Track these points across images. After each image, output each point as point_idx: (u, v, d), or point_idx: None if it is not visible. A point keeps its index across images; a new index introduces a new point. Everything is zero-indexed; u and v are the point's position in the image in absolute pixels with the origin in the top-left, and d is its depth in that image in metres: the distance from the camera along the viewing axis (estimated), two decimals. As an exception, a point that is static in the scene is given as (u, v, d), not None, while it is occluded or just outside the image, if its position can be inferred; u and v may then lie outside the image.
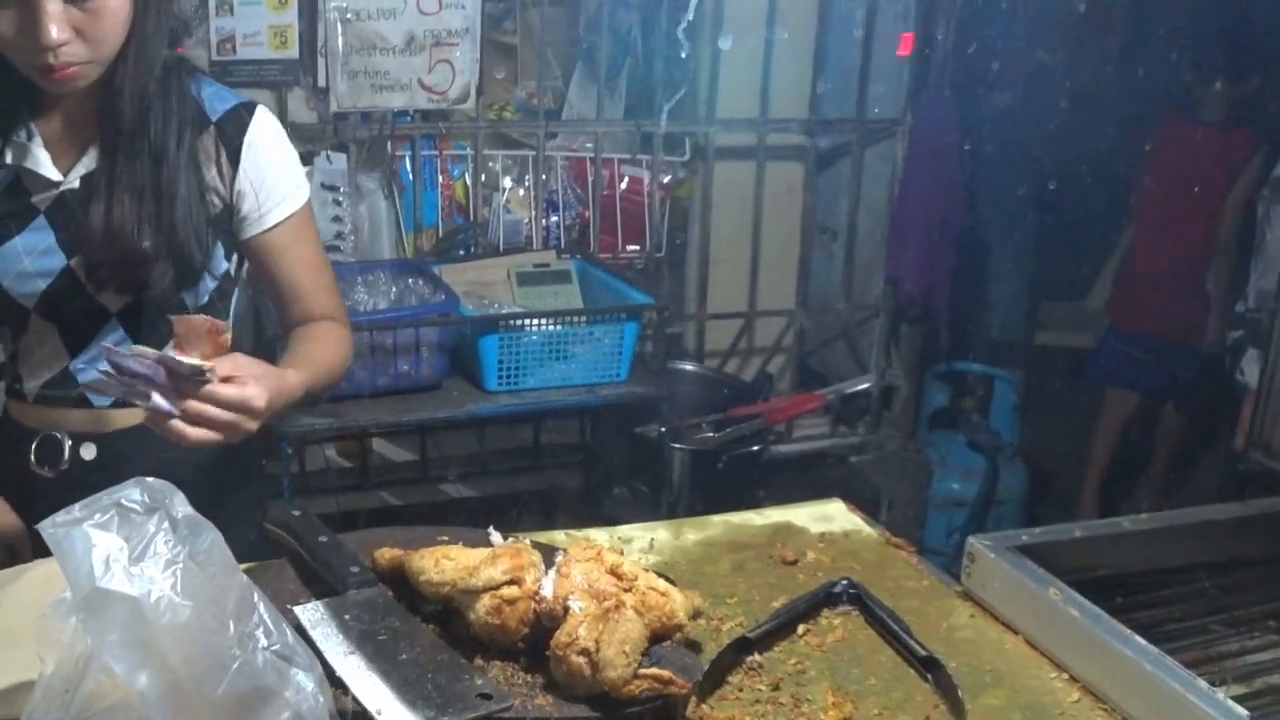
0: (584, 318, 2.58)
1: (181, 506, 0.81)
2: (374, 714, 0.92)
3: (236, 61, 2.55)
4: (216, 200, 1.38)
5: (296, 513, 1.23)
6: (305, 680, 0.82)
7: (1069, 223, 3.46)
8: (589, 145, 3.14)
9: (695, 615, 1.10)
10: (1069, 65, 3.53)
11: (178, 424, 1.17)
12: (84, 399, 1.41)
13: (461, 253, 2.97)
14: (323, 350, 1.43)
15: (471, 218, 3.01)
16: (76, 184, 1.33)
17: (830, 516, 1.49)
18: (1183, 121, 3.22)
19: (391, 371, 2.45)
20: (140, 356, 1.14)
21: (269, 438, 1.60)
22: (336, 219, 2.83)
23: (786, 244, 3.40)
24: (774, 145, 3.30)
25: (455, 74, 2.76)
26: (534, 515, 3.04)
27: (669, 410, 2.76)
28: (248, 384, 1.19)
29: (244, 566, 0.91)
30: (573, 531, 1.43)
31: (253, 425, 1.21)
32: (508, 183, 3.07)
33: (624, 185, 3.21)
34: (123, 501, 0.79)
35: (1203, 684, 1.01)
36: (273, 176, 1.41)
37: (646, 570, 1.09)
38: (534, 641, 1.04)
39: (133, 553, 0.76)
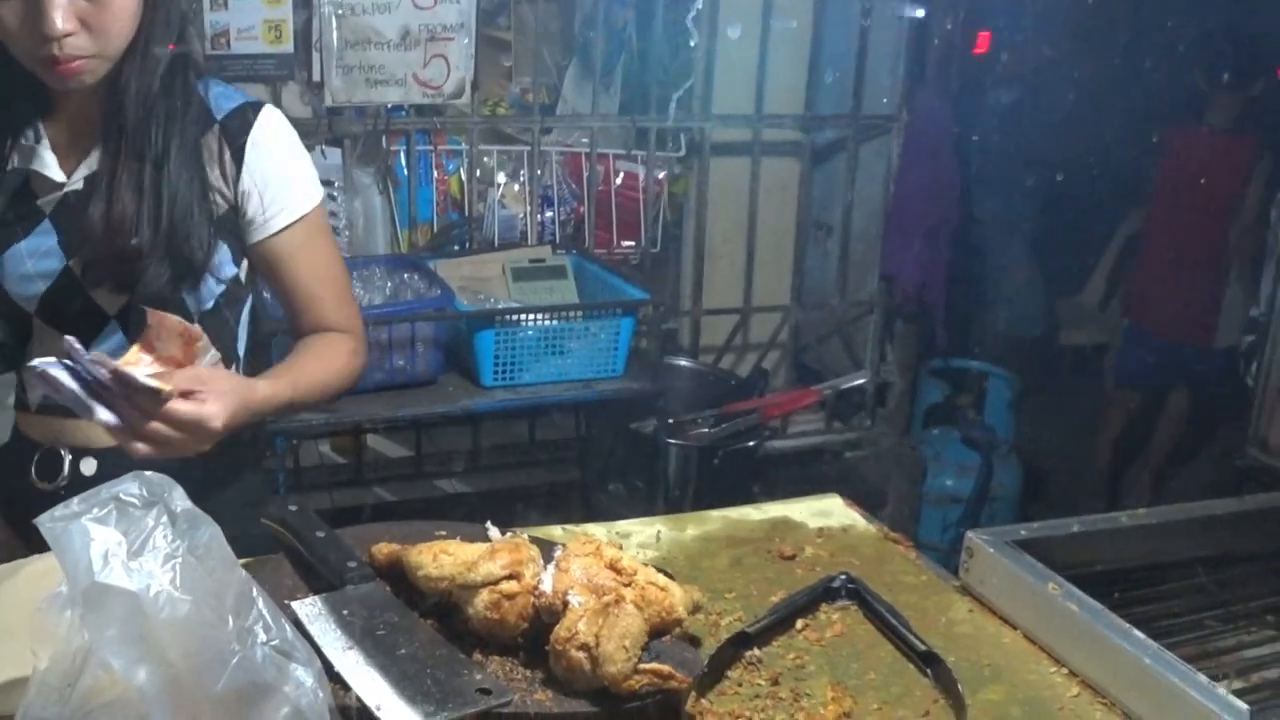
0: (580, 313, 2.58)
1: (180, 501, 0.80)
2: (373, 709, 0.92)
3: (230, 56, 2.54)
4: (221, 201, 1.36)
5: (293, 508, 1.23)
6: (304, 676, 0.82)
7: (1065, 219, 3.47)
8: (584, 140, 3.14)
9: (694, 610, 1.10)
10: (1064, 62, 3.53)
11: (126, 436, 1.15)
12: None
13: (456, 248, 2.96)
14: (316, 363, 1.39)
15: (466, 213, 3.01)
16: (80, 184, 1.32)
17: (828, 512, 1.49)
18: (1188, 126, 3.21)
19: (387, 367, 2.44)
20: (99, 364, 1.11)
21: (264, 434, 1.58)
22: (331, 214, 2.82)
23: (782, 240, 3.39)
24: (769, 141, 3.30)
25: (450, 69, 2.75)
26: (529, 511, 3.03)
27: (665, 406, 2.75)
28: (206, 401, 1.16)
29: (241, 562, 0.90)
30: (570, 526, 1.42)
31: (207, 444, 1.19)
32: (501, 178, 3.06)
33: (619, 181, 3.21)
34: (121, 496, 0.78)
35: (1202, 678, 1.01)
36: (279, 178, 1.37)
37: (645, 565, 1.09)
38: (533, 636, 1.03)
39: (131, 547, 0.75)
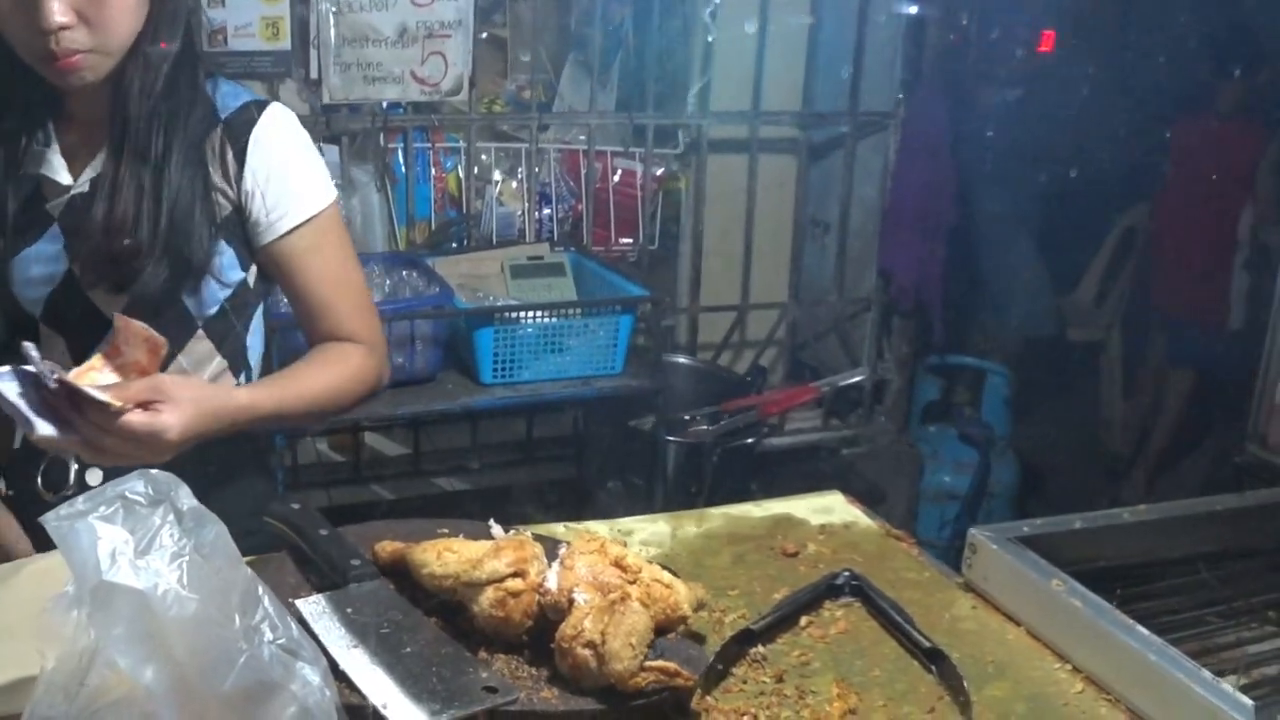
0: (579, 310, 2.57)
1: (186, 499, 0.80)
2: (379, 708, 0.91)
3: (228, 53, 2.53)
4: (224, 202, 1.33)
5: (296, 506, 1.23)
6: (311, 674, 0.82)
7: (1062, 216, 3.47)
8: (582, 138, 3.13)
9: (698, 607, 1.10)
10: (1061, 59, 3.53)
11: (75, 447, 1.14)
12: None
13: (454, 245, 2.96)
14: (313, 373, 1.35)
15: (464, 210, 3.00)
16: (86, 187, 1.31)
17: (830, 508, 1.49)
18: (1197, 116, 3.20)
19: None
20: (48, 372, 1.10)
21: (265, 433, 1.57)
22: (329, 212, 2.80)
23: (779, 237, 3.40)
24: (767, 138, 3.30)
25: (448, 66, 2.74)
26: (528, 508, 3.03)
27: (663, 403, 2.75)
28: (161, 412, 1.14)
29: (244, 560, 0.90)
30: (572, 524, 1.42)
31: (164, 454, 1.16)
32: (497, 175, 3.06)
33: (617, 178, 3.21)
34: (127, 494, 0.78)
35: (1207, 674, 1.01)
36: (284, 178, 1.33)
37: (650, 563, 1.09)
38: (537, 634, 1.03)
39: (138, 545, 0.75)
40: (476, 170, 2.99)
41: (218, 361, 1.40)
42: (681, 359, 3.21)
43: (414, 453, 3.16)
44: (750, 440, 2.93)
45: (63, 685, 0.82)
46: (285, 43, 2.60)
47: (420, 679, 0.95)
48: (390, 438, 3.24)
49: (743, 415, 2.94)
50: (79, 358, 1.31)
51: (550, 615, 1.02)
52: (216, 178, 1.32)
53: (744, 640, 1.13)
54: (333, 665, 0.93)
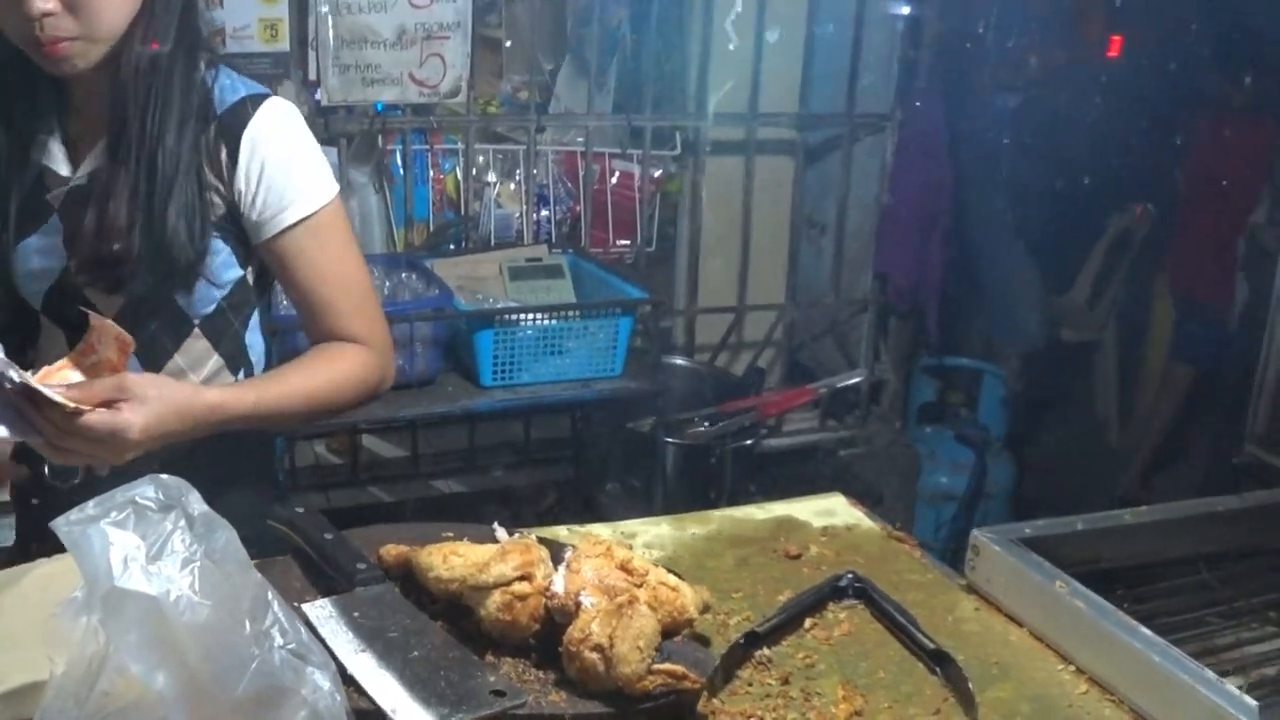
0: (579, 312, 2.58)
1: (197, 504, 0.80)
2: (388, 712, 0.92)
3: (226, 54, 2.51)
4: (218, 200, 1.31)
5: (300, 509, 1.23)
6: (321, 679, 0.82)
7: (1057, 217, 3.48)
8: (579, 140, 3.13)
9: (704, 610, 1.10)
10: (1058, 61, 3.54)
11: (40, 444, 1.15)
12: None
13: (452, 247, 2.96)
14: (301, 373, 1.32)
15: (462, 212, 3.00)
16: (84, 180, 1.31)
17: (832, 511, 1.49)
18: (1210, 113, 3.20)
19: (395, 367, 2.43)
20: (4, 371, 1.10)
21: (266, 435, 1.56)
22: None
23: (776, 238, 3.40)
24: (764, 140, 3.30)
25: (446, 68, 2.74)
26: (527, 511, 3.03)
27: (662, 405, 2.76)
28: (122, 410, 1.14)
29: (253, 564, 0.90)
30: (575, 527, 1.43)
31: (128, 451, 1.16)
32: (491, 177, 3.06)
33: (614, 180, 3.21)
34: (138, 499, 0.78)
35: (1211, 674, 1.02)
36: (279, 176, 1.30)
37: (655, 565, 1.10)
38: (544, 638, 1.04)
39: (150, 551, 0.75)
40: (474, 171, 2.99)
41: (215, 360, 1.39)
42: (679, 360, 3.21)
43: (412, 455, 3.15)
44: (749, 442, 2.93)
45: (73, 691, 0.82)
46: (284, 44, 2.60)
47: (428, 683, 0.96)
48: (388, 440, 3.23)
49: (741, 417, 2.94)
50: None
51: (557, 618, 1.03)
52: (210, 175, 1.30)
53: (749, 643, 1.13)
54: (340, 669, 0.93)
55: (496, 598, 1.03)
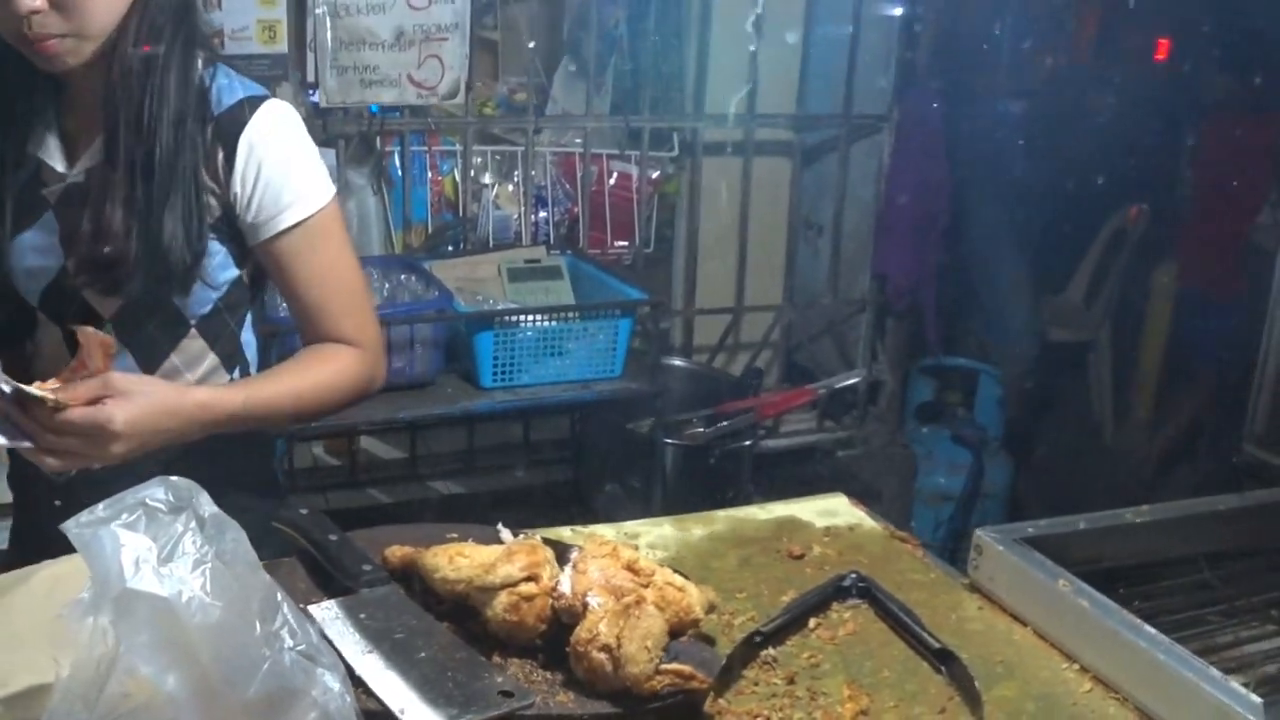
0: (579, 313, 2.58)
1: (207, 505, 0.80)
2: (397, 713, 0.92)
3: (224, 56, 2.50)
4: (214, 202, 1.31)
5: (304, 511, 1.23)
6: (331, 680, 0.82)
7: (1054, 218, 3.48)
8: (577, 141, 3.14)
9: (709, 610, 1.11)
10: (1055, 61, 3.55)
11: (30, 449, 1.16)
12: None
13: (451, 249, 2.96)
14: (292, 373, 1.34)
15: (461, 213, 3.00)
16: (81, 177, 1.30)
17: (834, 511, 1.49)
18: (1209, 112, 3.20)
19: (386, 368, 2.43)
20: None
21: (267, 436, 1.56)
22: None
23: (773, 239, 3.40)
24: (761, 141, 3.30)
25: (445, 69, 2.74)
26: (525, 512, 3.03)
27: (660, 406, 2.76)
28: (104, 404, 1.15)
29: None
30: (579, 527, 1.43)
31: (114, 445, 1.17)
32: (487, 178, 3.06)
33: (612, 181, 3.21)
34: (148, 501, 0.78)
35: (1216, 672, 1.02)
36: (275, 181, 1.30)
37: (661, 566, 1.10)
38: (551, 638, 1.04)
39: (161, 553, 0.75)
40: (472, 173, 2.99)
41: (211, 359, 1.39)
42: (678, 361, 3.21)
43: (410, 456, 3.15)
44: (748, 442, 2.93)
45: (81, 693, 0.82)
46: (282, 46, 2.59)
47: (436, 684, 0.96)
48: (386, 441, 3.23)
49: (740, 417, 2.94)
50: (74, 348, 1.31)
51: (564, 619, 1.03)
52: (206, 178, 1.30)
53: (754, 643, 1.13)
54: (348, 671, 0.93)
55: (503, 598, 1.03)
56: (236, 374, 1.42)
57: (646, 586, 1.05)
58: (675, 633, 1.05)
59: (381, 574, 1.11)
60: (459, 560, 1.07)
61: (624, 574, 1.05)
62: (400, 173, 2.91)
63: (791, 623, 1.18)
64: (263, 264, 1.37)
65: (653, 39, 3.12)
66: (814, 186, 3.49)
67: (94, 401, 1.15)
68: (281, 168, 1.31)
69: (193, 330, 1.37)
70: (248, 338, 1.44)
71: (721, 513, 1.48)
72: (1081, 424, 3.64)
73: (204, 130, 1.29)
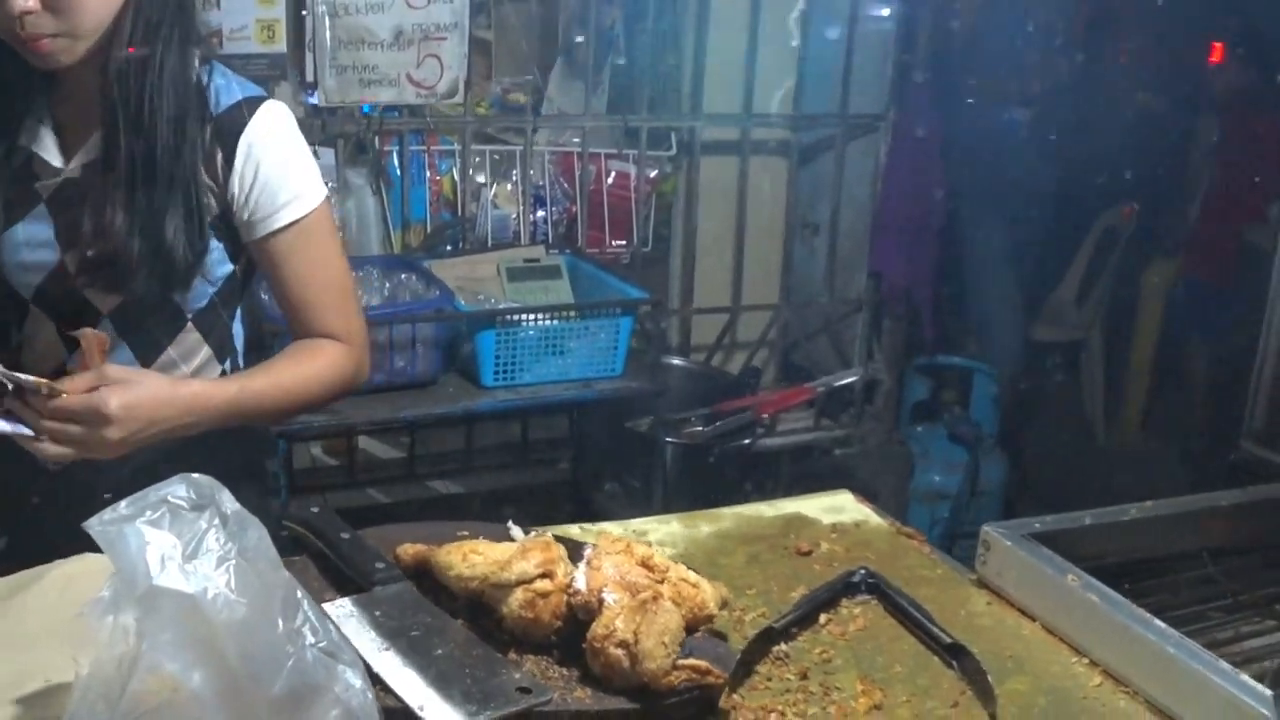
0: (579, 312, 2.58)
1: (229, 503, 0.81)
2: (416, 710, 0.92)
3: (223, 56, 2.50)
4: (212, 200, 1.33)
5: (315, 509, 1.23)
6: (353, 677, 0.82)
7: (1049, 217, 3.50)
8: (575, 140, 3.14)
9: (722, 606, 1.11)
10: (1050, 61, 3.57)
11: (32, 440, 1.18)
12: None
13: (450, 248, 2.96)
14: (284, 367, 1.36)
15: (460, 213, 3.00)
16: (78, 173, 1.31)
17: (840, 508, 1.50)
18: (1206, 111, 3.21)
19: (387, 368, 2.43)
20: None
21: (267, 436, 1.57)
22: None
23: (770, 239, 3.41)
24: (758, 140, 3.31)
25: (443, 69, 2.74)
26: (524, 511, 3.03)
27: (659, 404, 2.76)
28: (99, 390, 1.19)
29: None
30: (587, 525, 1.43)
31: (111, 432, 1.19)
32: (482, 178, 3.06)
33: (610, 180, 3.21)
34: (170, 498, 0.78)
35: (1225, 665, 1.03)
36: (272, 181, 1.32)
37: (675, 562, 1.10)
38: (566, 635, 1.04)
39: (186, 550, 0.75)
40: (471, 172, 2.99)
41: (205, 351, 1.41)
42: (675, 360, 3.21)
43: (409, 456, 3.15)
44: (746, 441, 2.94)
45: (102, 691, 0.82)
46: (280, 46, 2.59)
47: (454, 681, 0.96)
48: (384, 441, 3.23)
49: (738, 416, 2.95)
50: (68, 341, 1.34)
51: (580, 616, 1.03)
52: (205, 177, 1.32)
53: (766, 638, 1.14)
54: (365, 668, 0.93)
55: (519, 595, 1.03)
56: (227, 364, 1.45)
57: (661, 583, 1.05)
58: (689, 629, 1.06)
59: (395, 572, 1.12)
60: (473, 558, 1.07)
61: (638, 570, 1.06)
62: (399, 172, 2.91)
63: (802, 618, 1.19)
64: (255, 259, 1.40)
65: (650, 38, 3.12)
66: (810, 186, 3.49)
67: (90, 390, 1.19)
68: (279, 168, 1.33)
69: (189, 324, 1.39)
70: (237, 329, 1.47)
71: (728, 510, 1.49)
72: (1076, 422, 3.66)
73: (203, 130, 1.30)
